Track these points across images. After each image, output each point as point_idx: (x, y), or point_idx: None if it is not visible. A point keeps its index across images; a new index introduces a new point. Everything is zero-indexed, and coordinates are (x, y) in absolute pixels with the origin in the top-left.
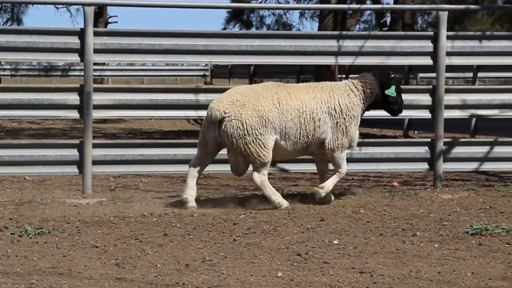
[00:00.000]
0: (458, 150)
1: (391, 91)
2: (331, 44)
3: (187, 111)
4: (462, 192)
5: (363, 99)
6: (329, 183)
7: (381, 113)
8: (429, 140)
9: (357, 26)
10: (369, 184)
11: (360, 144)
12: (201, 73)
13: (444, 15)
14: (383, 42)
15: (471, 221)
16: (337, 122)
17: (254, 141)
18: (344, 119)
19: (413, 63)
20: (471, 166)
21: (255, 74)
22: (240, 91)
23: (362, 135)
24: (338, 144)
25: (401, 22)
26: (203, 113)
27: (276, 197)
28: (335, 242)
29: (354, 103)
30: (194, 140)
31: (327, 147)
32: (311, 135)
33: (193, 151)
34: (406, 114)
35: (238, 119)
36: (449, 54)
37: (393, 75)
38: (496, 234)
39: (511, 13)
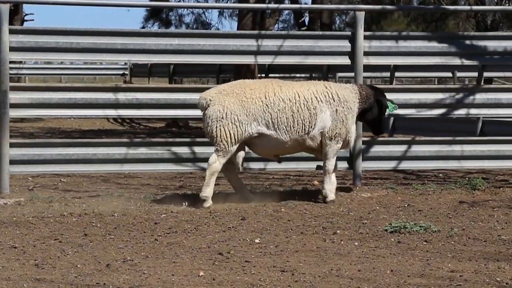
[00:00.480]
0: (376, 149)
1: (390, 109)
2: (250, 43)
3: (106, 110)
4: (381, 191)
5: (359, 98)
6: (326, 187)
7: None
8: None
9: (276, 26)
10: (290, 183)
11: None
12: (120, 72)
13: (361, 15)
14: (302, 41)
15: (390, 219)
16: (336, 110)
17: (228, 125)
18: (343, 107)
19: (331, 63)
20: (389, 165)
21: (175, 73)
22: (230, 83)
23: None
24: (336, 133)
25: (319, 22)
26: (123, 112)
27: (210, 190)
28: (257, 241)
29: (352, 97)
30: (114, 139)
31: (326, 135)
32: (308, 122)
33: (113, 150)
34: None
35: (220, 104)
36: (366, 54)
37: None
38: (415, 232)
39: (426, 13)
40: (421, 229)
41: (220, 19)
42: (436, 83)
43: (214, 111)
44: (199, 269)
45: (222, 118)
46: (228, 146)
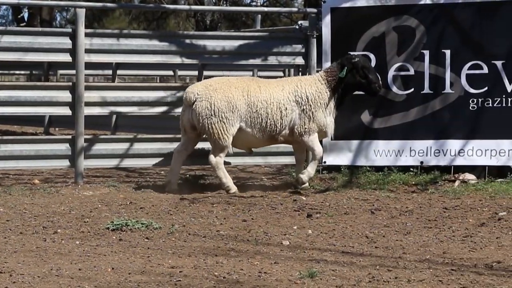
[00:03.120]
0: (99, 147)
1: (341, 74)
2: None
3: None
4: (103, 189)
5: (328, 87)
6: (309, 169)
7: (21, 110)
8: (69, 137)
9: None
10: (9, 182)
11: None
12: None
13: (81, 12)
14: (20, 38)
15: (112, 217)
16: (303, 109)
17: (219, 122)
18: (310, 106)
19: (52, 60)
20: (112, 162)
21: None
22: (215, 79)
23: (1, 133)
24: (305, 128)
25: (39, 18)
26: None
27: (227, 180)
28: None
29: (321, 91)
30: None
31: (296, 133)
32: (279, 123)
33: None
34: (45, 110)
35: (207, 101)
36: (88, 51)
37: (355, 59)
38: (136, 229)
39: (147, 12)
40: (142, 226)
41: None
42: (158, 81)
43: (202, 107)
44: None
45: (211, 116)
46: (222, 142)
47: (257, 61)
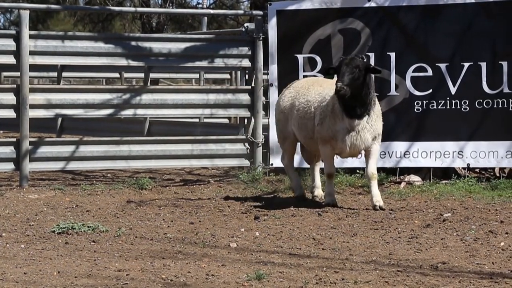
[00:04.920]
0: (44, 150)
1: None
2: None
3: None
4: (49, 192)
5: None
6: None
7: None
8: (14, 140)
9: None
10: None
11: None
12: None
13: (25, 14)
14: None
15: (58, 220)
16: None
17: None
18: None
19: None
20: (57, 165)
21: None
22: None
23: None
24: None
25: None
26: None
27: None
28: None
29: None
30: None
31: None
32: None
33: None
34: None
35: None
36: (32, 53)
37: (342, 59)
38: (83, 233)
39: (93, 14)
40: (89, 230)
41: None
42: (104, 83)
43: None
44: None
45: None
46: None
47: (204, 64)
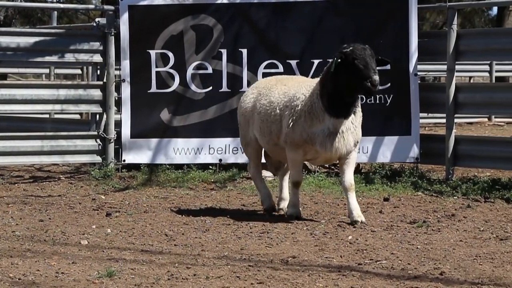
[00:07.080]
0: None
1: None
2: None
3: None
4: None
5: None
6: None
7: None
8: None
9: None
10: None
11: None
12: None
13: None
14: None
15: None
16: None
17: None
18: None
19: None
20: None
21: None
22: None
23: None
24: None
25: None
26: None
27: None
28: None
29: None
30: None
31: None
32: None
33: None
34: None
35: None
36: None
37: (345, 49)
38: None
39: None
40: None
41: None
42: None
43: None
44: None
45: None
46: None
47: (54, 58)
